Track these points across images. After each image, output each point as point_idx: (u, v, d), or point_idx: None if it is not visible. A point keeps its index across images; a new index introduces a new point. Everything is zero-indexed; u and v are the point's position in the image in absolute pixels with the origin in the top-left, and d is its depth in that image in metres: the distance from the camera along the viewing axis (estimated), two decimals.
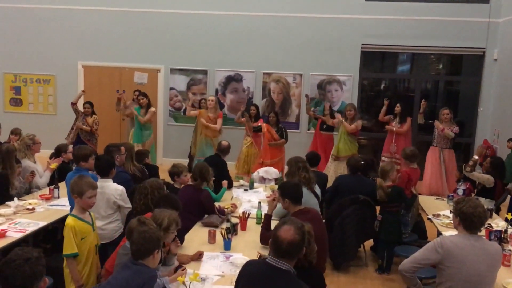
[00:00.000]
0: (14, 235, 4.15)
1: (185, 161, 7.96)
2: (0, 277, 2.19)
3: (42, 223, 4.53)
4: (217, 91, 10.04)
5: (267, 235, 3.85)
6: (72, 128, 8.46)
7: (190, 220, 4.56)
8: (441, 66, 10.73)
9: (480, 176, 5.76)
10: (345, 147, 7.96)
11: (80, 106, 8.59)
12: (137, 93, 9.04)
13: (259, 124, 8.26)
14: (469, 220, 3.21)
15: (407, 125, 8.13)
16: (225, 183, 5.87)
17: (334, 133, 8.71)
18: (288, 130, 8.41)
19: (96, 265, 3.69)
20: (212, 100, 8.39)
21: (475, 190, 5.96)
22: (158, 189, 4.07)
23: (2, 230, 4.15)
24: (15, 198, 4.97)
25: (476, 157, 5.91)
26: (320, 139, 8.69)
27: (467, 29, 9.32)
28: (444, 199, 6.07)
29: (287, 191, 4.03)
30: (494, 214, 5.23)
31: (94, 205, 3.69)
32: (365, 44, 9.64)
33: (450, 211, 3.44)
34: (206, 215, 4.74)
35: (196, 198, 4.76)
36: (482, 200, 5.46)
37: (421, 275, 3.80)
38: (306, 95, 9.37)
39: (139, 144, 8.54)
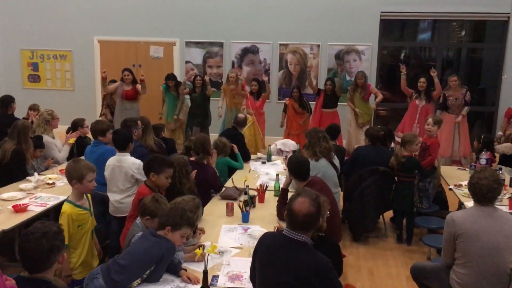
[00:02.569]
0: (35, 209, 4.21)
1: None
2: (19, 248, 2.23)
3: (62, 197, 4.55)
4: (233, 63, 9.93)
5: (283, 210, 3.80)
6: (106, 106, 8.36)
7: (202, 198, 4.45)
8: (463, 33, 10.40)
9: (499, 146, 5.77)
10: (364, 115, 8.14)
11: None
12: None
13: (285, 102, 8.37)
14: (478, 194, 3.13)
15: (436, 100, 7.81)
16: None
17: (337, 109, 8.28)
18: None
19: (92, 248, 3.56)
20: (232, 77, 8.31)
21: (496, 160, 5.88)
22: (185, 166, 4.01)
23: (23, 204, 4.21)
24: (35, 173, 5.01)
25: (500, 133, 5.91)
26: (322, 117, 8.14)
27: None
28: (466, 169, 5.98)
29: (291, 166, 3.98)
30: None
31: (94, 188, 3.49)
32: (384, 11, 9.36)
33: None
34: (224, 188, 4.74)
35: (202, 176, 4.53)
36: (505, 169, 5.39)
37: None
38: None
39: (171, 122, 8.42)
